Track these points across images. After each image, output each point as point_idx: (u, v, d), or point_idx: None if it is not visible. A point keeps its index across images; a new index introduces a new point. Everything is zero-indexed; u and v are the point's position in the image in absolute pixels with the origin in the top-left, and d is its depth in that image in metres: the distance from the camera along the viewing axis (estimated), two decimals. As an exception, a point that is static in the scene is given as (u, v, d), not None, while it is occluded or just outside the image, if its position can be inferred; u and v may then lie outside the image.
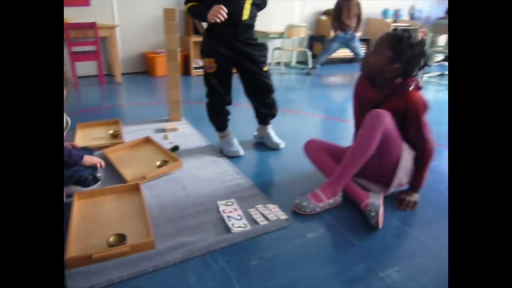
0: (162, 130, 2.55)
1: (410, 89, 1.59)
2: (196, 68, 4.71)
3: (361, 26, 4.97)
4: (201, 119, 2.82)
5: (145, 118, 2.85)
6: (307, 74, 5.03)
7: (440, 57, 6.16)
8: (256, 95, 2.25)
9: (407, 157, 1.66)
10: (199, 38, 4.62)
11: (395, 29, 1.87)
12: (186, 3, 2.04)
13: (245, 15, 1.97)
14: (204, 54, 2.09)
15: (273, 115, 2.34)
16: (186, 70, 4.72)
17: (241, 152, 2.22)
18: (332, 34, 5.24)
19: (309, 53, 5.23)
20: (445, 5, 6.79)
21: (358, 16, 4.85)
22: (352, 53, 5.11)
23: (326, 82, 4.73)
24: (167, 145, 2.28)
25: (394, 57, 1.58)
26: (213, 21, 1.86)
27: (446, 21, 4.74)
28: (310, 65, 5.17)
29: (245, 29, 2.01)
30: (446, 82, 4.60)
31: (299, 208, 1.62)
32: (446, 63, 6.19)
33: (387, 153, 1.63)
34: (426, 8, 6.76)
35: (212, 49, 2.04)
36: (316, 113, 3.27)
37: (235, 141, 2.28)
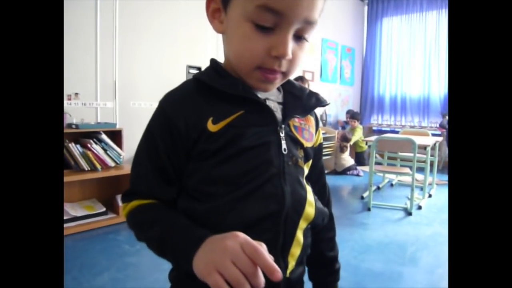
0: None
1: None
2: (68, 220, 2.76)
3: None
4: None
5: None
6: None
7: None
8: None
9: None
10: (72, 176, 2.81)
11: None
12: (125, 200, 0.56)
13: (292, 262, 0.60)
14: None
15: None
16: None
17: None
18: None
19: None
20: (347, 108, 6.65)
21: None
22: None
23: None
24: None
25: None
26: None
27: (390, 137, 4.25)
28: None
29: None
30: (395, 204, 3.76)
31: None
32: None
33: None
34: (333, 112, 6.46)
35: None
36: None
37: None
